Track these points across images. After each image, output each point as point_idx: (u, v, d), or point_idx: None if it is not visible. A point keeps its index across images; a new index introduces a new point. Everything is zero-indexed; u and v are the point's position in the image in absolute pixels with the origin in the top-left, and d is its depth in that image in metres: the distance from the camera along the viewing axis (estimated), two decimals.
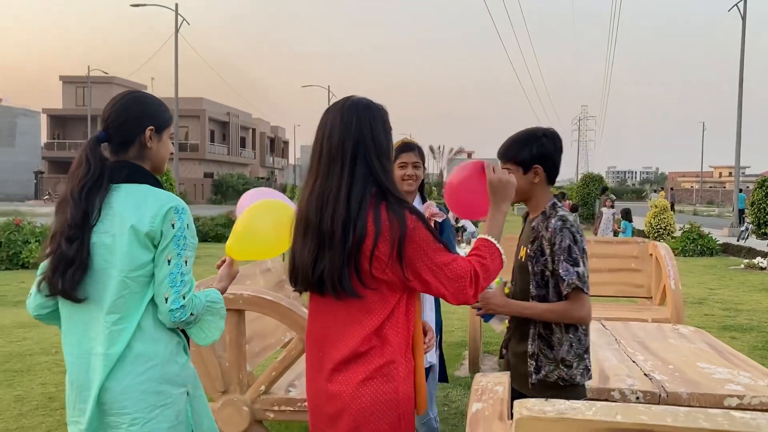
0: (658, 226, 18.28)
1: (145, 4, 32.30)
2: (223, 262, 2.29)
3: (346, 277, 1.80)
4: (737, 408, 2.77)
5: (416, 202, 3.20)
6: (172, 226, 1.92)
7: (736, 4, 24.89)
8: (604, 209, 15.22)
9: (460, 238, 13.15)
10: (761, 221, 19.48)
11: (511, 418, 1.46)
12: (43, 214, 20.62)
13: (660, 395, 2.87)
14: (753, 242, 18.29)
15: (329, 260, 1.81)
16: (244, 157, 63.61)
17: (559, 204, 2.37)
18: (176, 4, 31.93)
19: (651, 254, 5.97)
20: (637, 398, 2.89)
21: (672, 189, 45.57)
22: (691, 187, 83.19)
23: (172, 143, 2.21)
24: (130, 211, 1.91)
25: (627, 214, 14.39)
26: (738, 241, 19.27)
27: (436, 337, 3.12)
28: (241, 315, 3.14)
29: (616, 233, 14.26)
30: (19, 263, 11.94)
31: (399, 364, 1.85)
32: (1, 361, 5.76)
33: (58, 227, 1.94)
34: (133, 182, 1.98)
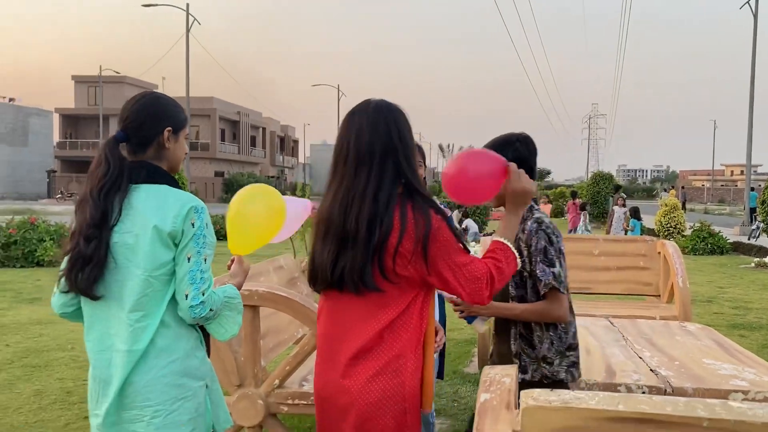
0: (669, 225, 18.23)
1: (156, 5, 32.53)
2: (233, 261, 2.35)
3: (369, 273, 1.87)
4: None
5: None
6: (192, 225, 1.96)
7: (747, 2, 24.73)
8: (615, 208, 15.25)
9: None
10: None
11: (518, 408, 1.53)
12: (55, 212, 20.82)
13: (665, 390, 2.93)
14: (764, 241, 18.19)
15: (351, 258, 1.87)
16: (255, 156, 63.83)
17: (536, 207, 2.45)
18: (187, 4, 32.10)
19: (659, 252, 6.00)
20: (643, 393, 2.94)
21: (683, 187, 45.39)
22: (703, 185, 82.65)
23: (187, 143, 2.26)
24: (152, 211, 1.95)
25: (636, 213, 14.40)
26: (749, 239, 19.18)
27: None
28: (256, 311, 3.21)
29: (626, 232, 14.27)
30: (35, 261, 12.10)
31: (408, 359, 1.90)
32: (20, 357, 5.88)
33: (78, 226, 1.98)
34: (152, 182, 2.01)
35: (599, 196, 27.38)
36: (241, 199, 2.25)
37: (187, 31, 32.14)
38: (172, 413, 1.97)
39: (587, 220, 17.46)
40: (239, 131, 60.21)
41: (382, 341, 1.90)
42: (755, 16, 24.30)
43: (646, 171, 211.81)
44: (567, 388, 2.39)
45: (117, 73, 49.42)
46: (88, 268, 1.93)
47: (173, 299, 1.98)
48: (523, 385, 2.32)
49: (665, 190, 42.16)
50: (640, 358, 3.42)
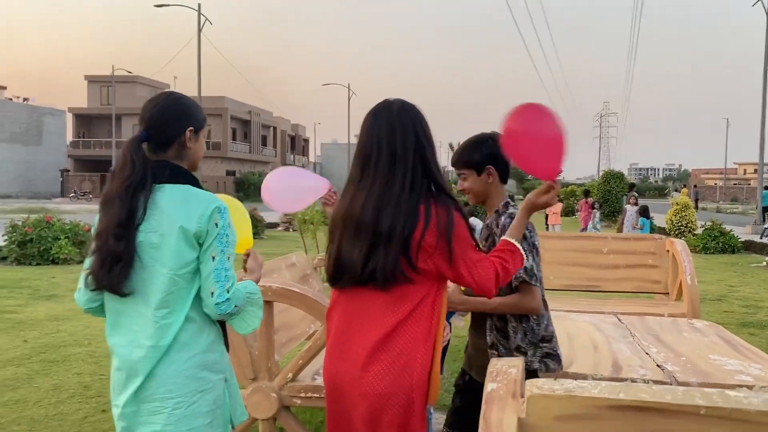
0: (680, 224, 18.18)
1: (168, 5, 32.77)
2: (248, 256, 2.42)
3: (399, 268, 1.96)
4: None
5: None
6: (216, 225, 2.02)
7: (759, 0, 24.59)
8: (627, 206, 15.23)
9: None
10: None
11: (523, 396, 1.60)
12: (69, 211, 21.01)
13: (671, 385, 2.98)
14: None
15: (383, 256, 1.96)
16: (266, 156, 64.05)
17: (512, 203, 2.54)
18: (199, 5, 32.31)
19: (668, 250, 6.03)
20: None
21: (695, 186, 45.15)
22: (715, 184, 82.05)
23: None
24: (178, 211, 2.00)
25: (645, 212, 14.40)
26: (761, 238, 19.09)
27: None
28: (270, 306, 3.29)
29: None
30: (50, 259, 12.24)
31: (417, 351, 1.98)
32: (38, 352, 6.00)
33: (104, 225, 2.02)
34: (175, 182, 2.07)
35: (610, 195, 27.20)
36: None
37: (199, 31, 32.35)
38: (192, 405, 2.03)
39: (597, 219, 17.45)
40: (250, 130, 60.47)
41: (396, 334, 1.97)
42: None
43: (658, 169, 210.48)
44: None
45: (129, 72, 49.68)
46: (118, 266, 1.98)
47: (197, 295, 2.04)
48: None
49: (676, 189, 41.91)
50: (647, 353, 3.47)
